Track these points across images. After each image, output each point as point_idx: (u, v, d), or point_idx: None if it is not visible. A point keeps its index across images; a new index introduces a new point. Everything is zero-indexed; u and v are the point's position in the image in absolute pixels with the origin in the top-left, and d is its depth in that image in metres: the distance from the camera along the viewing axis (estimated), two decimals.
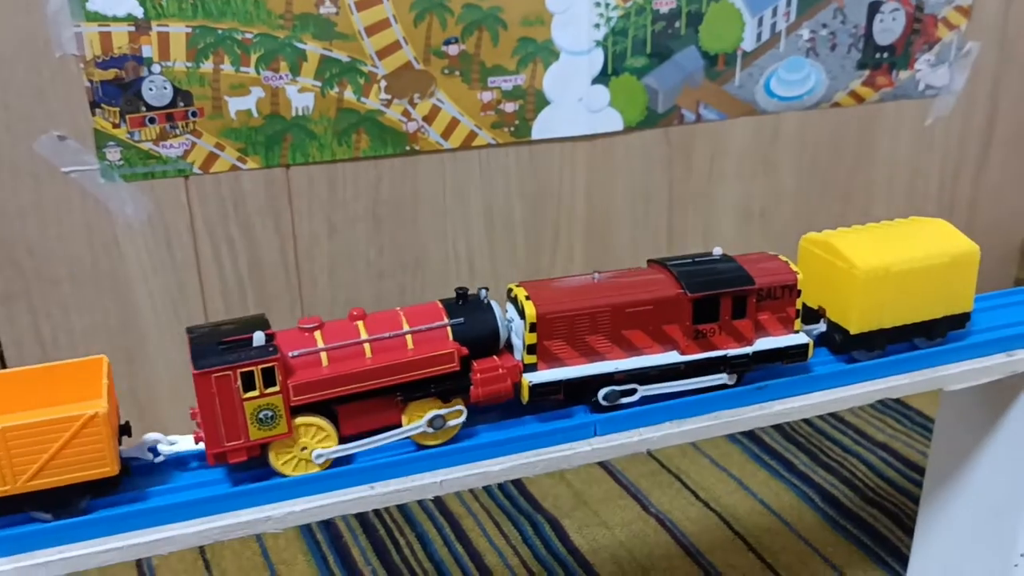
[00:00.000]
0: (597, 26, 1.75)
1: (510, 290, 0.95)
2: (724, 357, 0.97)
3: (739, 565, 1.57)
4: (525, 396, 0.92)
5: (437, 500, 1.75)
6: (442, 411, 0.89)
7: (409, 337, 0.88)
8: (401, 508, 1.73)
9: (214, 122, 1.58)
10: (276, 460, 0.86)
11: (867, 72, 1.99)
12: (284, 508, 0.85)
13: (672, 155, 1.92)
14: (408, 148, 1.71)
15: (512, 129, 1.77)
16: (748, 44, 1.87)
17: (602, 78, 1.79)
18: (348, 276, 1.76)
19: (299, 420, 0.85)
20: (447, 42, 1.67)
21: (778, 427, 1.96)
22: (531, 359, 0.93)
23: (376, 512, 1.72)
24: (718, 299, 0.95)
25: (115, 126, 1.53)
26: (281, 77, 1.59)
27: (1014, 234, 2.31)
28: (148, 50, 1.51)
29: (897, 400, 2.02)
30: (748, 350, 0.97)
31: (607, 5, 1.74)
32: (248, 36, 1.55)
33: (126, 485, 0.84)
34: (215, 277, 1.67)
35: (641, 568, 1.57)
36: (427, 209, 1.77)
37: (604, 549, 1.61)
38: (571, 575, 1.56)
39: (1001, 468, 1.19)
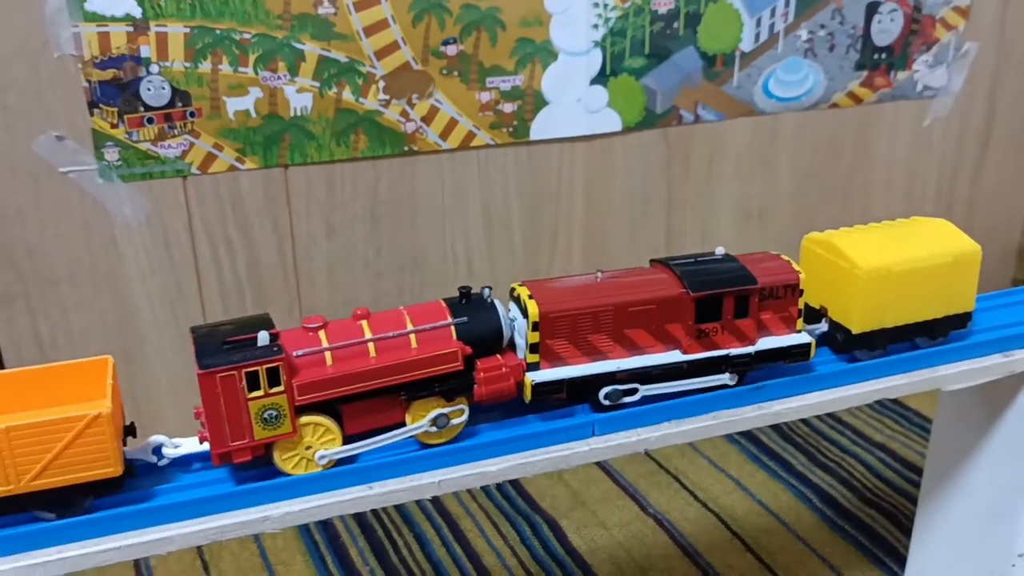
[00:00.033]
0: (595, 27, 1.75)
1: (513, 289, 0.96)
2: (726, 356, 0.97)
3: (737, 565, 1.57)
4: (528, 395, 0.93)
5: (435, 500, 1.75)
6: (446, 410, 0.89)
7: (413, 336, 0.89)
8: (399, 508, 1.73)
9: (212, 122, 1.58)
10: (281, 459, 0.86)
11: (865, 73, 1.99)
12: (282, 508, 0.85)
13: (670, 156, 1.92)
14: (406, 148, 1.71)
15: (510, 129, 1.77)
16: (746, 45, 1.87)
17: (600, 79, 1.79)
18: (346, 276, 1.76)
19: (303, 419, 0.85)
20: (445, 42, 1.67)
21: (776, 427, 1.96)
22: (534, 358, 0.93)
23: (374, 512, 1.72)
24: (720, 298, 0.95)
25: (113, 126, 1.53)
26: (279, 77, 1.59)
27: (1011, 235, 2.31)
28: (146, 50, 1.51)
29: (895, 400, 2.02)
30: (750, 349, 0.97)
31: (605, 6, 1.74)
32: (246, 36, 1.55)
33: (130, 485, 0.84)
34: (213, 277, 1.67)
35: (639, 568, 1.57)
36: (425, 209, 1.77)
37: (602, 550, 1.62)
38: None
39: (999, 469, 1.19)
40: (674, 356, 0.96)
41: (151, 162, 1.57)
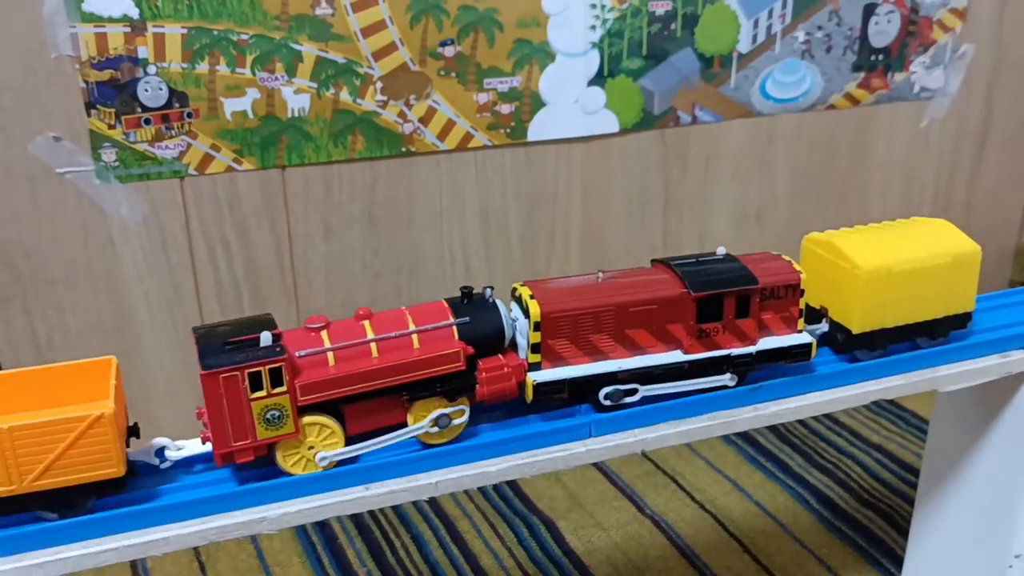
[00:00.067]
0: (593, 28, 1.76)
1: (514, 289, 0.96)
2: (727, 356, 0.97)
3: (734, 567, 1.57)
4: (529, 395, 0.93)
5: (432, 501, 1.75)
6: (447, 410, 0.90)
7: (415, 336, 0.89)
8: (396, 509, 1.73)
9: (210, 123, 1.58)
10: (283, 460, 0.86)
11: (862, 74, 1.99)
12: (280, 509, 0.85)
13: (668, 157, 1.92)
14: (404, 149, 1.71)
15: (508, 131, 1.77)
16: (744, 46, 1.87)
17: (598, 80, 1.79)
18: (344, 277, 1.76)
19: (306, 419, 0.85)
20: (443, 43, 1.67)
21: (773, 428, 1.96)
22: (535, 358, 0.93)
23: (371, 513, 1.72)
24: (722, 298, 0.95)
25: (110, 127, 1.53)
26: (277, 78, 1.59)
27: (1008, 236, 2.32)
28: (144, 51, 1.51)
29: (892, 401, 2.02)
30: (751, 349, 0.98)
31: (603, 7, 1.74)
32: (244, 37, 1.55)
33: (132, 486, 0.84)
34: (210, 278, 1.67)
35: (636, 570, 1.57)
36: (423, 210, 1.77)
37: (599, 551, 1.62)
38: None
39: (995, 469, 1.19)
40: (675, 356, 0.96)
41: (148, 163, 1.57)
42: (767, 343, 0.98)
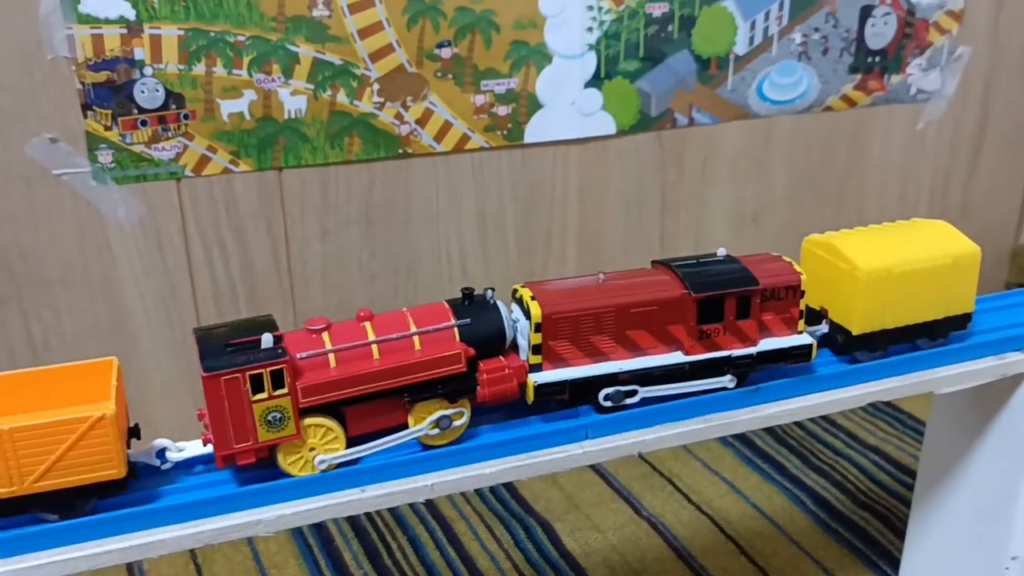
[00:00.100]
0: (590, 30, 1.76)
1: (515, 290, 0.96)
2: (728, 358, 0.97)
3: (731, 569, 1.57)
4: (530, 396, 0.93)
5: (429, 503, 1.75)
6: (448, 411, 0.89)
7: (416, 338, 0.89)
8: (393, 511, 1.73)
9: (206, 125, 1.58)
10: (285, 461, 0.86)
11: (859, 76, 1.99)
12: (275, 511, 0.85)
13: (665, 159, 1.92)
14: (401, 151, 1.71)
15: (505, 132, 1.77)
16: (740, 48, 1.88)
17: (595, 82, 1.79)
18: (341, 279, 1.76)
19: (307, 421, 0.85)
20: (440, 45, 1.67)
21: (770, 430, 1.96)
22: (536, 359, 0.93)
23: (368, 515, 1.72)
24: (722, 299, 0.95)
25: (107, 128, 1.52)
26: (274, 80, 1.59)
27: (1004, 238, 2.32)
28: (140, 52, 1.51)
29: (888, 403, 2.02)
30: (752, 350, 0.98)
31: (600, 9, 1.75)
32: (240, 39, 1.55)
33: (133, 487, 0.84)
34: (207, 280, 1.67)
35: (633, 572, 1.57)
36: (420, 212, 1.77)
37: (596, 553, 1.61)
38: None
39: (992, 471, 1.19)
40: (676, 357, 0.96)
41: (145, 164, 1.57)
42: (768, 344, 0.98)
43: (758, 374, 1.00)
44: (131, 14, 1.48)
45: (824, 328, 1.05)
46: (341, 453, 0.87)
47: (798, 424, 1.97)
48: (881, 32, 1.97)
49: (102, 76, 1.50)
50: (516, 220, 1.85)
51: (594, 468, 1.84)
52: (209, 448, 0.86)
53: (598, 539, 1.65)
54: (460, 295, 0.92)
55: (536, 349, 0.92)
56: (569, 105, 1.80)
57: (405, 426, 0.89)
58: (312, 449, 0.86)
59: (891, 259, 1.02)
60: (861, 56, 1.98)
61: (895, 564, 1.51)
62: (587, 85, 1.79)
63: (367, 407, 0.88)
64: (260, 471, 0.87)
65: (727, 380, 0.98)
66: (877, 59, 1.99)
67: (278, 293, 1.72)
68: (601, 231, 1.93)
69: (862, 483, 1.78)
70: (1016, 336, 1.10)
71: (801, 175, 2.05)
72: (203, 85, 1.56)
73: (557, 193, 1.86)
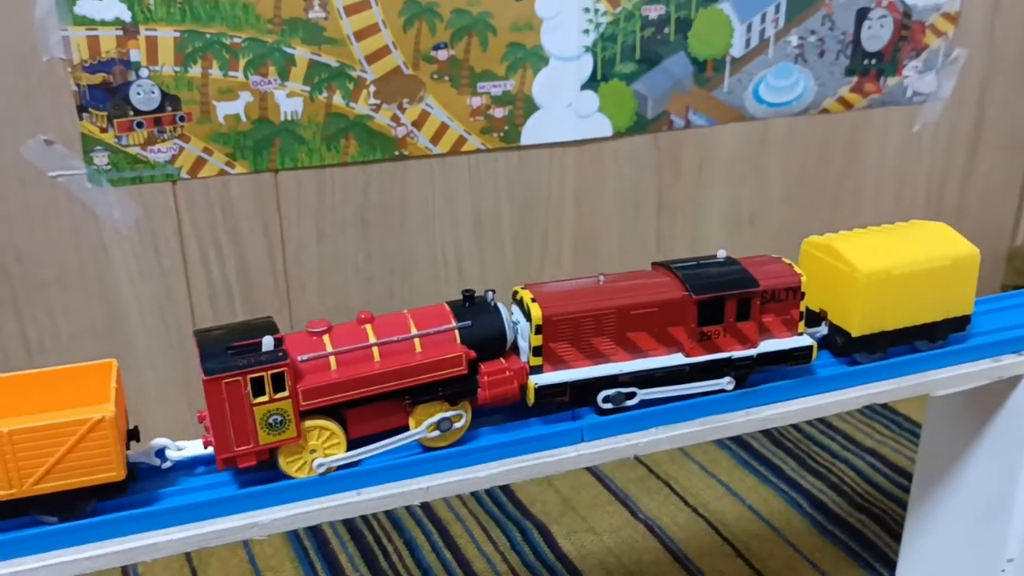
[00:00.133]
0: (586, 32, 1.76)
1: (515, 292, 0.96)
2: (729, 359, 0.97)
3: (727, 571, 1.57)
4: (531, 398, 0.93)
5: (425, 506, 1.75)
6: (449, 414, 0.89)
7: (417, 340, 0.89)
8: (389, 514, 1.73)
9: (202, 127, 1.58)
10: (285, 463, 0.86)
11: (855, 78, 1.99)
12: (270, 514, 0.84)
13: (661, 161, 1.92)
14: (397, 153, 1.71)
15: (501, 134, 1.77)
16: (737, 50, 1.88)
17: (591, 84, 1.79)
18: (337, 281, 1.76)
19: (308, 423, 0.85)
20: (436, 47, 1.67)
21: (766, 432, 1.96)
22: (537, 361, 0.93)
23: (364, 518, 1.71)
24: (723, 301, 0.95)
25: (102, 130, 1.52)
26: (270, 82, 1.59)
27: (1000, 241, 2.32)
28: (136, 54, 1.50)
29: (885, 405, 2.02)
30: (752, 352, 0.98)
31: (596, 11, 1.75)
32: (237, 41, 1.55)
33: (133, 489, 0.84)
34: (203, 282, 1.67)
35: (629, 574, 1.56)
36: (416, 214, 1.77)
37: (592, 555, 1.61)
38: None
39: (988, 473, 1.19)
40: (676, 359, 0.96)
41: (140, 166, 1.56)
42: (768, 346, 0.98)
43: (758, 376, 1.00)
44: (127, 16, 1.48)
45: (823, 330, 1.05)
46: (339, 456, 0.87)
47: (794, 426, 1.97)
48: (877, 34, 1.97)
49: (98, 78, 1.49)
50: (512, 222, 1.84)
51: (590, 471, 1.84)
52: (209, 449, 0.86)
53: (594, 542, 1.65)
54: (459, 297, 0.92)
55: (537, 351, 0.92)
56: (565, 107, 1.79)
57: (406, 428, 0.89)
58: (313, 451, 0.86)
59: (890, 261, 1.02)
60: (857, 58, 1.98)
61: (891, 566, 1.51)
62: (583, 87, 1.79)
63: (368, 409, 0.88)
64: (260, 473, 0.87)
65: (725, 382, 0.98)
66: (873, 61, 1.99)
67: (274, 295, 1.72)
68: (597, 233, 1.93)
69: (858, 485, 1.78)
70: (1012, 338, 1.10)
71: (797, 177, 2.05)
72: (199, 87, 1.55)
73: (553, 195, 1.86)
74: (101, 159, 1.54)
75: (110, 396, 0.82)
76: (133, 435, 0.87)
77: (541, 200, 1.85)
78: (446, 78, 1.69)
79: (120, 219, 1.58)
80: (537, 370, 0.93)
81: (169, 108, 1.55)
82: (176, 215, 1.62)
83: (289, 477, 0.86)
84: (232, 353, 0.82)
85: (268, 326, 0.85)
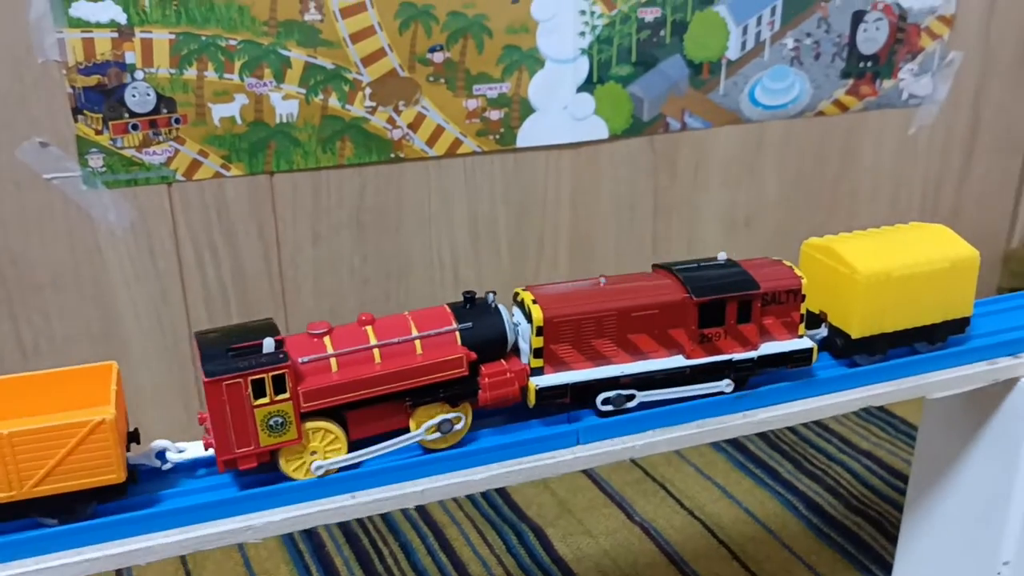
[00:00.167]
0: (582, 34, 1.76)
1: (516, 294, 0.96)
2: (729, 361, 0.97)
3: (723, 574, 1.57)
4: (532, 400, 0.93)
5: (420, 509, 1.74)
6: (449, 415, 0.89)
7: (418, 342, 0.88)
8: (384, 517, 1.72)
9: (198, 129, 1.57)
10: (286, 465, 0.86)
11: (851, 81, 1.99)
12: (264, 517, 0.84)
13: (657, 163, 1.92)
14: (393, 155, 1.71)
15: (497, 137, 1.77)
16: (733, 53, 1.88)
17: (587, 86, 1.79)
18: (332, 283, 1.75)
19: (309, 424, 0.85)
20: (432, 50, 1.67)
21: (762, 435, 1.96)
22: (538, 363, 0.93)
23: (359, 521, 1.71)
24: (724, 303, 0.95)
25: (98, 133, 1.52)
26: (265, 84, 1.59)
27: (996, 243, 2.32)
28: (131, 56, 1.50)
29: (881, 408, 2.02)
30: (753, 354, 0.98)
31: (592, 13, 1.75)
32: (232, 43, 1.55)
33: (133, 491, 0.84)
34: (198, 284, 1.66)
35: None
36: (412, 217, 1.77)
37: (588, 558, 1.61)
38: None
39: (984, 476, 1.19)
40: (677, 361, 0.96)
41: (136, 169, 1.56)
42: (768, 348, 0.99)
43: (757, 378, 1.00)
44: (122, 18, 1.48)
45: (823, 332, 1.05)
46: (338, 459, 0.87)
47: (791, 429, 1.97)
48: (873, 37, 1.97)
49: (93, 80, 1.49)
50: (508, 224, 1.84)
51: (586, 473, 1.84)
52: (210, 451, 0.86)
53: (590, 544, 1.64)
54: (455, 299, 0.92)
55: (538, 353, 0.92)
56: (561, 109, 1.79)
57: (407, 429, 0.89)
58: (314, 453, 0.86)
59: (890, 263, 1.02)
60: (853, 61, 1.98)
61: (887, 569, 1.51)
62: (579, 89, 1.79)
63: (369, 411, 0.88)
64: (261, 475, 0.87)
65: (724, 385, 0.98)
66: (869, 64, 1.99)
67: (269, 297, 1.72)
68: (593, 236, 1.92)
69: (854, 488, 1.78)
70: (1008, 341, 1.11)
71: (793, 180, 2.05)
72: (194, 89, 1.55)
73: (549, 197, 1.86)
74: (96, 161, 1.53)
75: (110, 398, 0.82)
76: (133, 437, 0.87)
77: (537, 203, 1.85)
78: (442, 80, 1.69)
79: (115, 221, 1.58)
80: (538, 372, 0.93)
81: (164, 110, 1.55)
82: (171, 217, 1.61)
83: (290, 479, 0.86)
84: (233, 355, 0.82)
85: (269, 328, 0.85)
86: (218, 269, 1.67)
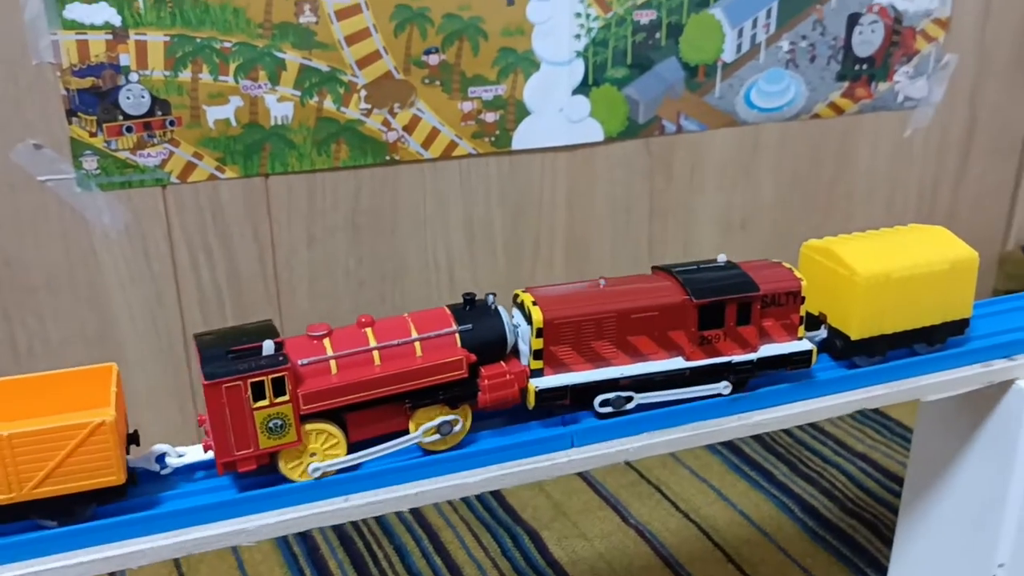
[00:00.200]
0: (578, 37, 1.76)
1: (516, 295, 0.96)
2: (728, 364, 0.97)
3: None
4: (531, 402, 0.92)
5: (415, 511, 1.74)
6: (449, 417, 0.89)
7: (418, 344, 0.88)
8: (379, 519, 1.72)
9: (192, 131, 1.57)
10: (286, 467, 0.86)
11: (846, 84, 2.00)
12: (257, 520, 0.84)
13: (652, 166, 1.92)
14: (388, 158, 1.71)
15: (493, 139, 1.76)
16: (728, 55, 1.88)
17: (583, 88, 1.79)
18: (327, 286, 1.75)
19: (308, 427, 0.85)
20: (427, 52, 1.67)
21: (758, 437, 1.96)
22: (537, 364, 0.93)
23: (354, 524, 1.71)
24: (723, 305, 0.95)
25: (92, 135, 1.52)
26: (260, 86, 1.59)
27: (992, 245, 2.33)
28: (126, 58, 1.50)
29: (876, 410, 2.02)
30: (752, 356, 0.98)
31: (588, 16, 1.75)
32: (227, 45, 1.55)
33: (133, 493, 0.84)
34: (193, 287, 1.66)
35: None
36: (407, 219, 1.76)
37: (583, 561, 1.61)
38: None
39: (979, 478, 1.19)
40: (677, 363, 0.96)
41: (130, 171, 1.56)
42: (768, 350, 0.98)
43: (757, 380, 1.00)
44: (116, 20, 1.48)
45: (823, 333, 1.05)
46: (335, 461, 0.86)
47: (786, 431, 1.97)
48: (868, 40, 1.97)
49: (87, 82, 1.49)
50: (504, 227, 1.84)
51: (582, 476, 1.84)
52: (209, 454, 0.86)
53: (585, 547, 1.64)
54: (451, 301, 0.92)
55: (537, 354, 0.92)
56: (557, 112, 1.79)
57: (406, 431, 0.89)
58: (313, 455, 0.86)
59: (890, 264, 1.02)
60: (848, 64, 1.98)
61: (882, 571, 1.51)
62: (575, 92, 1.79)
63: (368, 413, 0.88)
64: (261, 477, 0.87)
65: (722, 387, 0.98)
66: (864, 67, 1.99)
67: (264, 300, 1.71)
68: (589, 238, 1.92)
69: (850, 490, 1.78)
70: (1003, 343, 1.11)
71: (789, 182, 2.05)
72: (189, 91, 1.55)
73: (545, 200, 1.86)
74: (90, 163, 1.53)
75: (110, 400, 0.82)
76: (133, 439, 0.87)
77: (533, 205, 1.85)
78: (437, 83, 1.69)
79: (110, 224, 1.57)
80: (538, 373, 0.93)
81: (159, 112, 1.54)
82: (166, 220, 1.61)
83: (290, 481, 0.86)
84: (233, 357, 0.82)
85: (268, 330, 0.85)
86: (213, 271, 1.66)
